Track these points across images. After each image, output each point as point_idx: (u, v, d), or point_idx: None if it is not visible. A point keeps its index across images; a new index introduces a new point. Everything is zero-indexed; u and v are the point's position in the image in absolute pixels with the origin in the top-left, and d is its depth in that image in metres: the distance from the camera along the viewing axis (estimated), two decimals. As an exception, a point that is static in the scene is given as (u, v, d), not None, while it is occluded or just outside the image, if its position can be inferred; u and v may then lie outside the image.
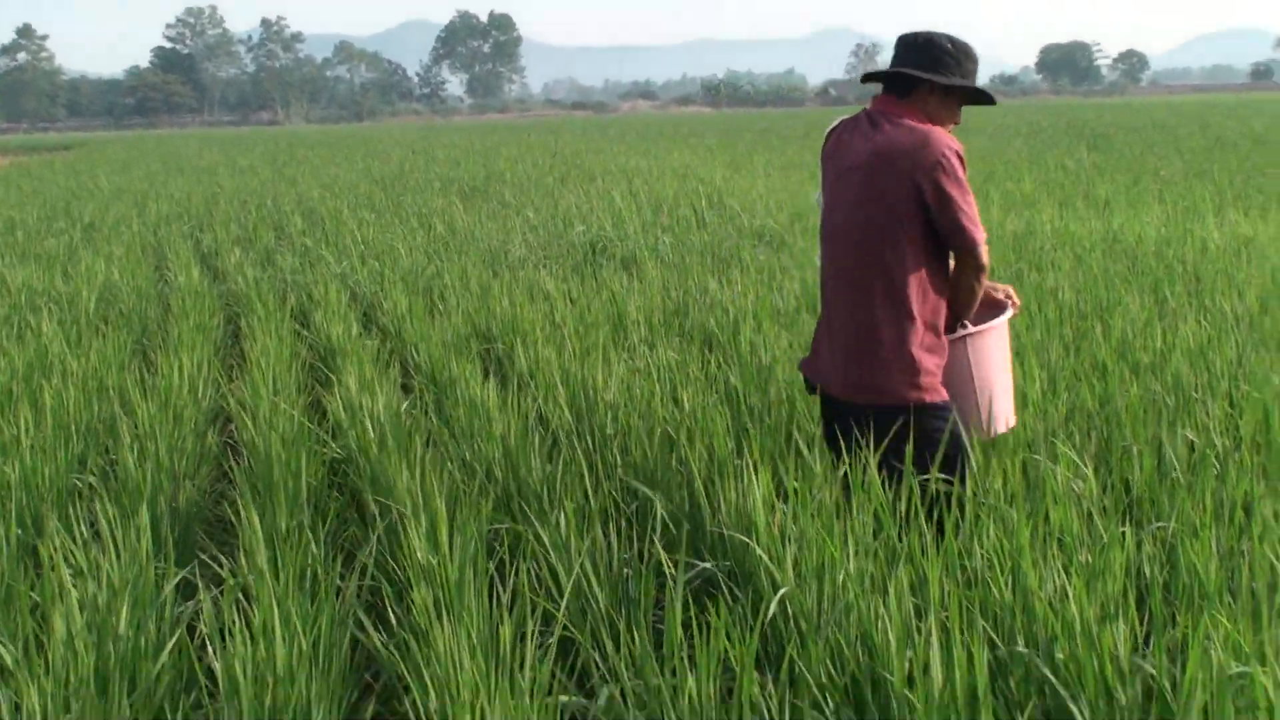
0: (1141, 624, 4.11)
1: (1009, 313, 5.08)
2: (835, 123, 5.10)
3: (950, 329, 4.90)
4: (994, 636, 3.89)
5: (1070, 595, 3.70)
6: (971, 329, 4.90)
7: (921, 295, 4.77)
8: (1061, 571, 3.99)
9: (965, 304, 4.90)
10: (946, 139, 4.71)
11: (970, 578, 4.22)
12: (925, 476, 4.62)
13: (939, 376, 4.82)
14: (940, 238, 4.73)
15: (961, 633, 3.49)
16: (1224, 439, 5.55)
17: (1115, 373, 6.57)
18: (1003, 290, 5.14)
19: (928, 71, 4.82)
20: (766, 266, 11.72)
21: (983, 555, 4.21)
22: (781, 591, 4.17)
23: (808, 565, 4.26)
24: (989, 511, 4.45)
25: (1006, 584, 4.01)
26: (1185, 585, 4.07)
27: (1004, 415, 5.00)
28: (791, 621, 4.17)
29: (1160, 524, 4.61)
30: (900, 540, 4.44)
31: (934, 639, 3.37)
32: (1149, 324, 7.98)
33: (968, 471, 4.75)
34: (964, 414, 4.87)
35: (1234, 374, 6.60)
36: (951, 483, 4.65)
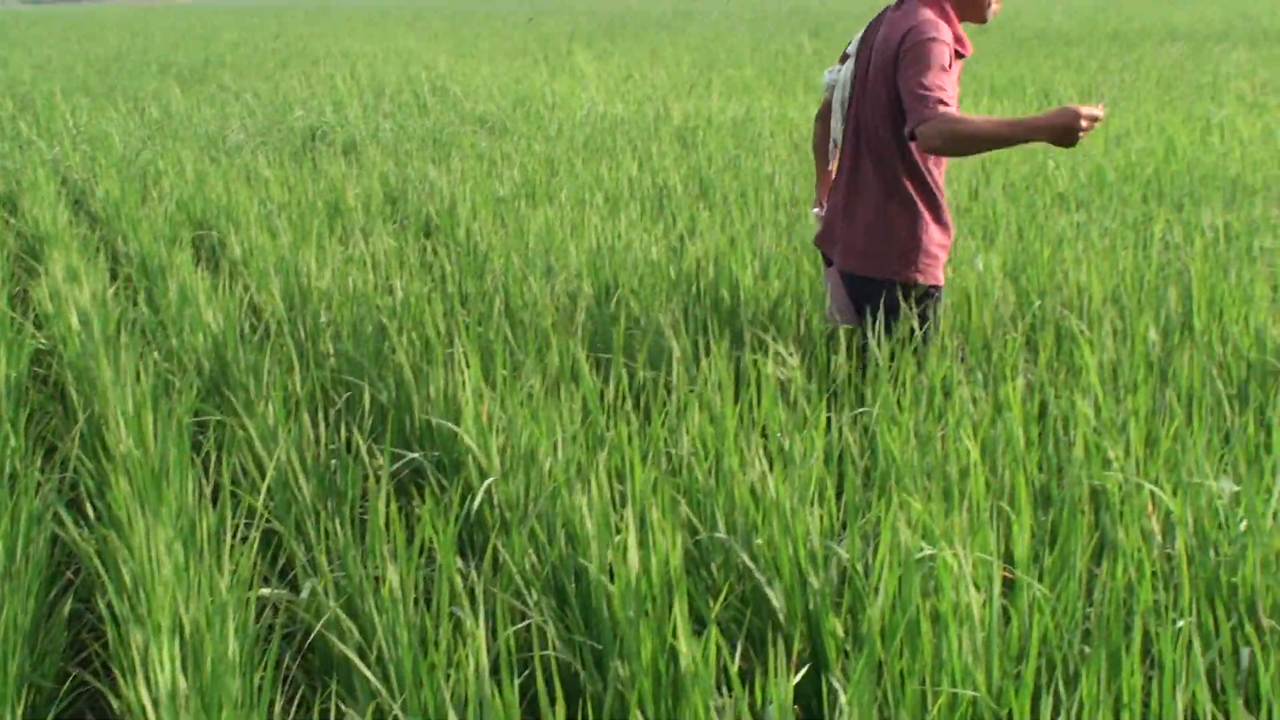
0: (840, 509, 4.21)
1: None
2: (883, 8, 5.09)
3: None
4: (696, 523, 3.95)
5: (770, 482, 3.76)
6: None
7: (918, 180, 4.88)
8: (763, 458, 4.05)
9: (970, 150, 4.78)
10: (930, 29, 4.64)
11: (675, 466, 4.27)
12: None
13: (940, 259, 4.96)
14: None
15: (662, 519, 3.52)
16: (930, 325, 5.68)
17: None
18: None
19: None
20: (487, 153, 11.62)
21: (688, 443, 4.26)
22: (488, 481, 4.17)
23: (514, 454, 4.26)
24: (697, 399, 4.50)
25: (710, 471, 4.07)
26: (883, 470, 4.17)
27: None
28: (497, 510, 4.17)
29: (863, 409, 4.70)
30: (607, 428, 4.48)
31: (630, 527, 3.39)
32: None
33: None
34: None
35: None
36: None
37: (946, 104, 4.50)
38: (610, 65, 22.18)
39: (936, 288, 5.00)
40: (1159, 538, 3.78)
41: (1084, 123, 4.37)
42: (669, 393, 4.82)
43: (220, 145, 12.99)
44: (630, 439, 4.15)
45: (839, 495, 4.33)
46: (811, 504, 3.76)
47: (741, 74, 19.75)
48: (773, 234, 7.40)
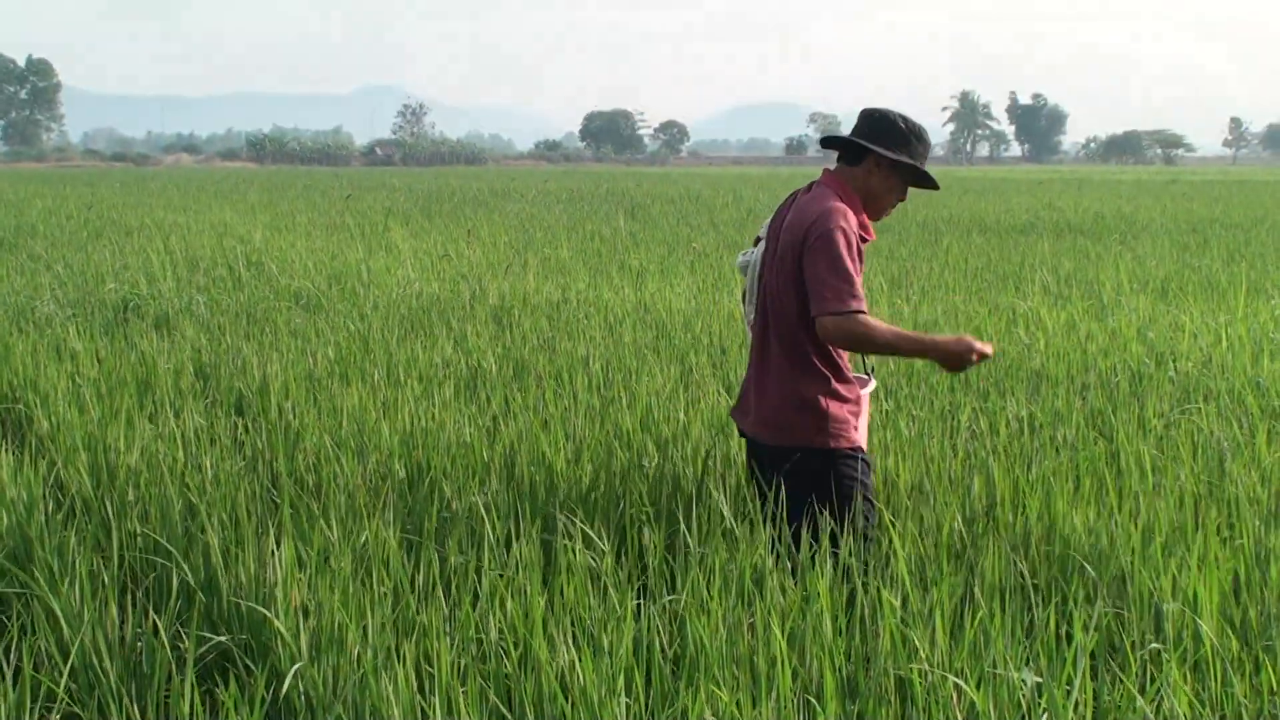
0: (649, 697, 4.23)
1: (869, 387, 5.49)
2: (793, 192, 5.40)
3: None
4: (504, 710, 3.95)
5: (578, 669, 3.78)
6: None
7: (823, 353, 5.14)
8: (572, 645, 4.07)
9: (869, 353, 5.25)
10: (838, 217, 4.96)
11: (485, 652, 4.27)
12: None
13: (851, 424, 5.17)
14: None
15: (467, 708, 3.52)
16: (739, 509, 5.75)
17: (639, 443, 6.76)
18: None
19: (878, 145, 5.10)
20: (302, 330, 11.60)
21: (496, 630, 4.27)
22: (295, 667, 4.14)
23: (324, 639, 4.24)
24: (507, 584, 4.51)
25: (519, 659, 4.08)
26: (691, 659, 4.21)
27: None
28: (303, 697, 4.14)
29: (672, 597, 4.75)
30: (418, 613, 4.47)
31: (436, 716, 3.39)
32: (673, 394, 8.24)
33: (871, 512, 5.19)
34: None
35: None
36: (868, 522, 5.12)
37: (858, 301, 4.88)
38: (427, 243, 22.30)
39: (855, 449, 5.19)
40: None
41: (974, 356, 4.95)
42: (479, 577, 4.83)
43: (29, 316, 12.80)
44: (439, 625, 4.15)
45: (647, 684, 4.35)
46: (620, 693, 3.79)
47: (558, 254, 19.98)
48: (586, 417, 7.47)
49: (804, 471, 5.10)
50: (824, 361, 5.15)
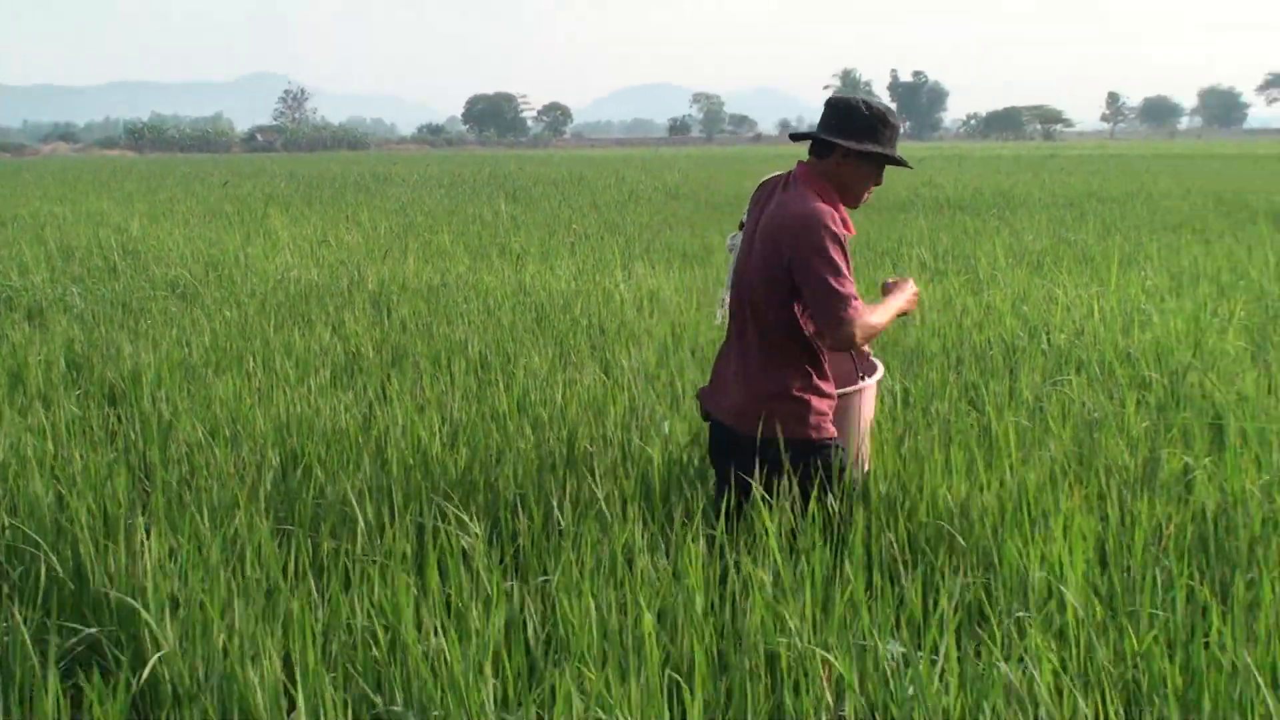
0: (518, 679, 4.25)
1: (877, 375, 5.58)
2: (772, 175, 5.40)
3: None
4: (373, 695, 3.94)
5: (446, 652, 3.79)
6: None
7: (805, 350, 5.15)
8: (440, 630, 4.08)
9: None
10: (824, 220, 4.96)
11: (355, 639, 4.26)
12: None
13: (829, 416, 5.18)
14: None
15: (334, 692, 3.51)
16: (614, 489, 5.77)
17: (513, 426, 6.77)
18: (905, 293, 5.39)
19: (843, 137, 5.09)
20: (178, 319, 11.49)
21: (365, 613, 4.26)
22: (155, 656, 4.10)
23: (193, 629, 4.21)
24: (378, 570, 4.51)
25: (388, 643, 4.08)
26: (562, 639, 4.22)
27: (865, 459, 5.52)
28: (170, 687, 4.11)
29: (545, 578, 4.76)
30: (291, 600, 4.45)
31: (300, 705, 3.39)
32: (551, 376, 8.25)
33: (851, 502, 5.21)
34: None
35: (626, 425, 6.87)
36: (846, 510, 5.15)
37: (857, 303, 4.93)
38: (307, 229, 22.13)
39: (831, 439, 5.19)
40: (831, 702, 3.91)
41: (914, 293, 5.38)
42: (352, 563, 4.82)
43: (-105, 311, 12.58)
44: (308, 613, 4.14)
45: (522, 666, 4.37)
46: (489, 675, 3.80)
47: (438, 238, 19.90)
48: (462, 401, 7.47)
49: (783, 461, 5.12)
50: (806, 356, 5.16)
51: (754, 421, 5.15)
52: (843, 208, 5.18)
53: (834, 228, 4.98)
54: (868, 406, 5.57)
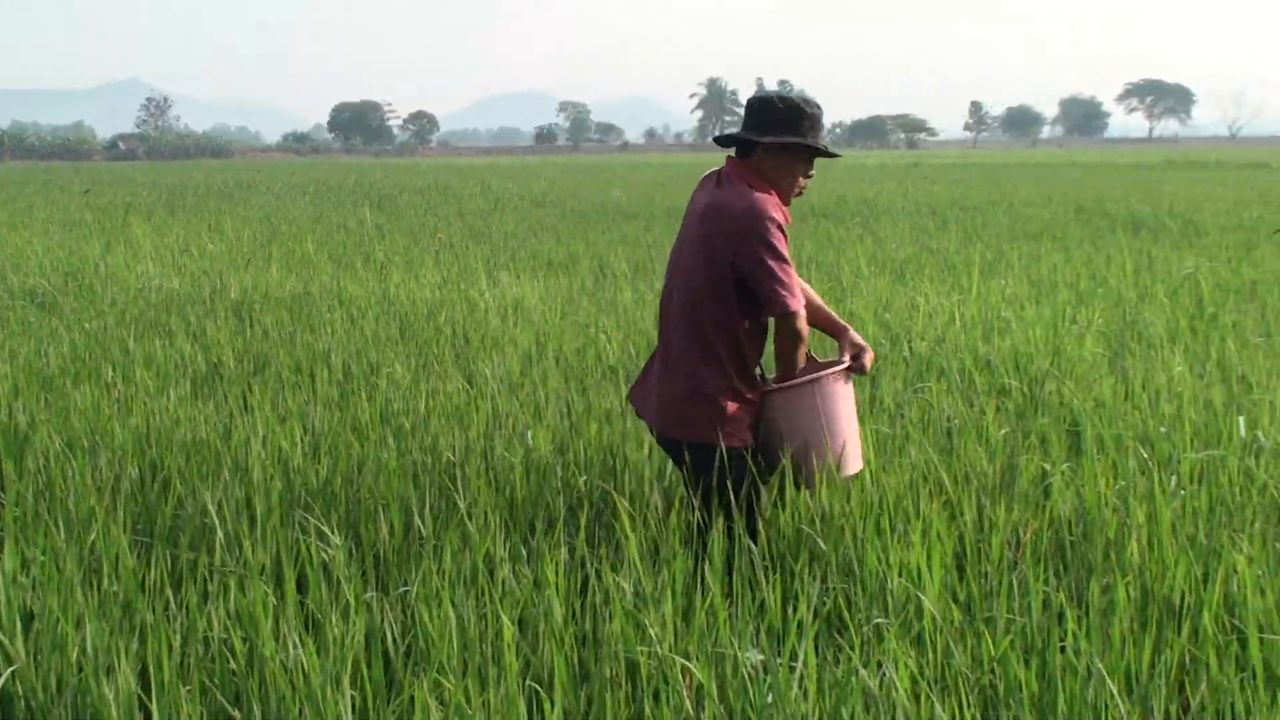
0: (377, 690, 4.25)
1: (840, 367, 5.34)
2: (708, 171, 5.37)
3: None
4: (229, 707, 3.93)
5: (305, 663, 3.79)
6: (775, 385, 5.27)
7: (734, 349, 5.12)
8: (299, 641, 4.07)
9: (783, 365, 5.25)
10: (767, 210, 4.99)
11: (212, 651, 4.24)
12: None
13: (745, 423, 5.15)
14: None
15: (189, 706, 3.50)
16: (476, 498, 5.77)
17: (376, 436, 6.76)
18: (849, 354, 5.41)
19: (760, 133, 5.12)
20: (35, 330, 11.32)
21: (223, 625, 4.24)
22: (9, 670, 4.06)
23: (47, 643, 4.17)
24: (236, 581, 4.49)
25: (246, 654, 4.07)
26: (421, 649, 4.23)
27: (853, 458, 5.31)
28: (24, 701, 4.06)
29: (405, 588, 4.77)
30: (148, 612, 4.42)
31: (155, 715, 3.37)
32: (414, 386, 8.23)
33: (758, 511, 5.18)
34: (806, 454, 5.21)
35: (489, 434, 6.88)
36: (754, 517, 5.16)
37: (799, 301, 5.05)
38: (169, 238, 21.87)
39: (739, 447, 5.16)
40: (690, 711, 3.94)
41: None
42: (210, 575, 4.79)
43: None
44: (164, 625, 4.11)
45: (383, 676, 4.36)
46: (347, 686, 3.80)
47: (302, 247, 19.75)
48: (324, 411, 7.44)
49: (693, 465, 5.15)
50: (730, 356, 5.14)
51: (670, 424, 5.20)
52: (777, 198, 5.21)
53: (776, 215, 5.05)
54: (843, 404, 5.36)
